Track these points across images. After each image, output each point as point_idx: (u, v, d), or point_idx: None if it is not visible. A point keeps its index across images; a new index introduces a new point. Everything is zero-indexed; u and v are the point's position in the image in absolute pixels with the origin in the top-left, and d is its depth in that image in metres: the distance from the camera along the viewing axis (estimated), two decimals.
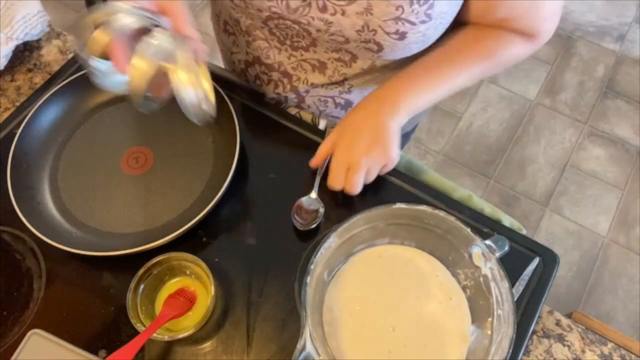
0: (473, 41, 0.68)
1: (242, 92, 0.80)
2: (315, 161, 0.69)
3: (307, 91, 0.80)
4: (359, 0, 0.58)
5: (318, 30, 0.65)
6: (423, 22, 0.60)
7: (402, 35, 0.60)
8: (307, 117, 0.82)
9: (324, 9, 0.61)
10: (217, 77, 0.76)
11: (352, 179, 0.65)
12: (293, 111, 0.82)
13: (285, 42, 0.72)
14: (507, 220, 0.78)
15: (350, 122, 0.67)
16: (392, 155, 0.66)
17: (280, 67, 0.77)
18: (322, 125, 0.80)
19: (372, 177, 0.67)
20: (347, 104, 0.81)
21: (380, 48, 0.64)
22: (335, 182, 0.66)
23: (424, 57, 0.69)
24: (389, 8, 0.57)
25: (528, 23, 0.66)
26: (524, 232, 0.73)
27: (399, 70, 0.72)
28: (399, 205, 0.60)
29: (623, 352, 0.64)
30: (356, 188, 0.65)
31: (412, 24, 0.59)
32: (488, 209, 0.79)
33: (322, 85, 0.78)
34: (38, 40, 0.88)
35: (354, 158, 0.65)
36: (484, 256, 0.58)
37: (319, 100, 0.81)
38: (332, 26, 0.63)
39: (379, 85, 0.69)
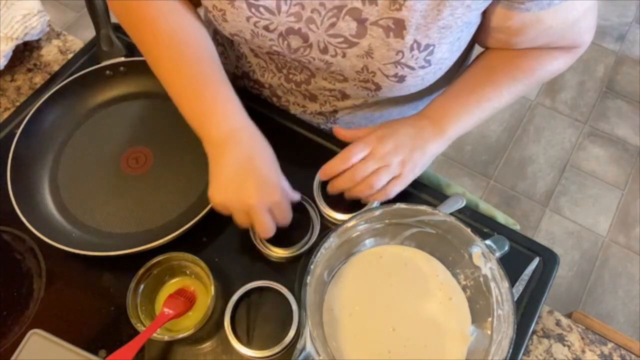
0: (514, 58, 0.66)
1: (242, 92, 0.80)
2: (343, 134, 0.66)
3: (295, 114, 0.80)
4: (360, 43, 0.58)
5: (317, 69, 0.65)
6: (422, 67, 0.59)
7: (401, 79, 0.60)
8: None
9: (324, 51, 0.60)
10: None
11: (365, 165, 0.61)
12: None
13: (282, 70, 0.72)
14: (501, 217, 0.78)
15: (394, 124, 0.65)
16: (412, 170, 0.63)
17: (270, 88, 0.77)
18: None
19: (379, 181, 0.61)
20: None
21: (378, 88, 0.63)
22: (347, 156, 0.61)
23: (465, 78, 0.68)
24: (389, 52, 0.57)
25: (568, 42, 0.65)
26: (517, 227, 0.73)
27: (392, 106, 0.71)
28: (399, 205, 0.60)
29: (623, 352, 0.64)
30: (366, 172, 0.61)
31: (412, 68, 0.59)
32: (482, 205, 0.79)
33: (311, 113, 0.78)
34: (38, 40, 0.88)
35: (381, 145, 0.62)
36: (484, 256, 0.58)
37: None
38: (332, 66, 0.62)
39: (426, 106, 0.68)
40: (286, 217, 0.60)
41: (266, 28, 0.60)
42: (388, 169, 0.61)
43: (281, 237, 0.64)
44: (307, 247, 0.65)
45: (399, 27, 0.55)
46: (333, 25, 0.58)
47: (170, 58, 0.63)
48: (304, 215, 0.67)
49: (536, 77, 0.67)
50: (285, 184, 0.61)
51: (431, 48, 0.57)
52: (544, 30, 0.60)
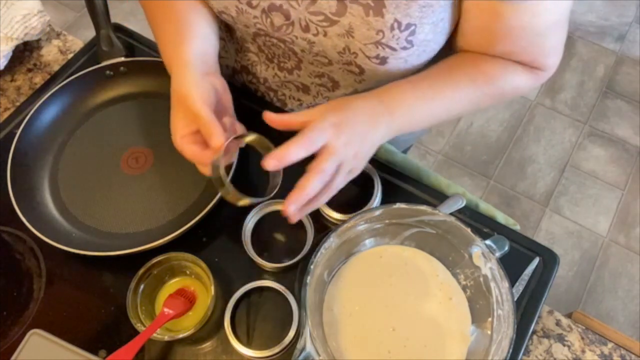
0: (478, 60, 0.65)
1: (241, 91, 0.80)
2: (275, 120, 0.56)
3: (292, 110, 0.80)
4: (340, 22, 0.58)
5: (302, 50, 0.65)
6: (404, 48, 0.59)
7: (382, 60, 0.60)
8: None
9: (306, 29, 0.61)
10: None
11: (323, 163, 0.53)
12: None
13: (273, 60, 0.73)
14: (501, 217, 0.78)
15: (348, 107, 0.58)
16: (362, 163, 0.58)
17: (265, 82, 0.78)
18: None
19: (340, 185, 0.57)
20: None
21: (361, 71, 0.63)
22: (310, 143, 0.53)
23: (427, 72, 0.65)
24: (370, 32, 0.57)
25: (531, 57, 0.64)
26: (517, 227, 0.73)
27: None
28: (399, 205, 0.60)
29: (623, 352, 0.64)
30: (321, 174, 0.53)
31: (393, 49, 0.59)
32: (482, 205, 0.79)
33: (307, 107, 0.79)
34: (38, 40, 0.88)
35: (336, 136, 0.54)
36: (484, 256, 0.58)
37: None
38: (314, 46, 0.63)
39: (382, 87, 0.63)
40: (212, 133, 0.55)
41: (249, 4, 0.61)
42: (344, 168, 0.56)
43: (275, 248, 0.65)
44: (300, 255, 0.65)
45: (378, 5, 0.55)
46: (313, 2, 0.58)
47: (157, 10, 0.65)
48: (297, 228, 0.67)
49: (495, 87, 0.65)
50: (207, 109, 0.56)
51: (412, 28, 0.57)
52: (506, 31, 0.59)
